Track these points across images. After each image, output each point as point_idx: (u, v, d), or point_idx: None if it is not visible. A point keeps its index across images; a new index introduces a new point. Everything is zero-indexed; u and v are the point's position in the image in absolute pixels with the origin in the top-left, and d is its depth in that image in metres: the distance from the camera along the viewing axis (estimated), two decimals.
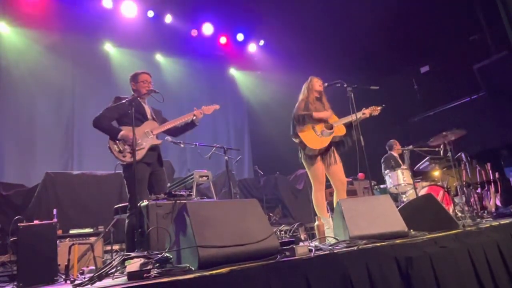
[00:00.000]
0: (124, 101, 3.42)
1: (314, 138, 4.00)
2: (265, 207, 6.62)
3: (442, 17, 7.79)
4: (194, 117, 3.82)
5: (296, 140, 4.09)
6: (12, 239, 2.99)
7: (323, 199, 4.07)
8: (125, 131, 3.47)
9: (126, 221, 3.42)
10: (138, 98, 3.66)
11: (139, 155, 3.43)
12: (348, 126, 4.15)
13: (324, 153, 4.07)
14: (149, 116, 3.74)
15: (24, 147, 6.75)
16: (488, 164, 6.70)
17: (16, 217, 3.09)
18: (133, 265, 1.96)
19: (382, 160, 6.52)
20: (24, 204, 5.21)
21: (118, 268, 2.09)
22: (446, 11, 7.68)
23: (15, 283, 2.82)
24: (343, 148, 4.16)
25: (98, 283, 1.91)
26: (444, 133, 4.98)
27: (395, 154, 6.52)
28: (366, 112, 4.26)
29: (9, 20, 6.96)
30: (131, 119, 3.28)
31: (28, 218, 4.14)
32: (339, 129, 4.11)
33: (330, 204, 4.79)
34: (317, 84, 4.25)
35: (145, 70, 3.86)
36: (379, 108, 4.32)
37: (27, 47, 7.09)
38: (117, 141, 3.45)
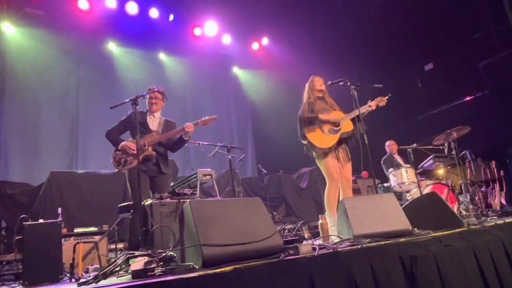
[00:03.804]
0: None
1: (322, 137, 3.98)
2: (268, 205, 6.62)
3: (447, 14, 7.75)
4: (183, 132, 3.90)
5: (305, 142, 4.06)
6: (17, 237, 3.00)
7: (335, 196, 3.98)
8: (125, 142, 3.79)
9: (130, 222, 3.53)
10: (147, 112, 3.95)
11: (133, 164, 3.66)
12: (354, 120, 4.08)
13: (336, 149, 4.04)
14: (153, 128, 3.89)
15: (29, 146, 6.79)
16: (493, 162, 6.65)
17: (21, 216, 3.11)
18: (138, 263, 1.97)
19: (382, 162, 6.51)
20: (29, 203, 5.24)
21: (123, 266, 2.10)
22: (450, 8, 7.63)
23: (21, 281, 2.84)
24: (351, 142, 4.13)
25: (102, 282, 1.92)
26: (448, 131, 4.95)
27: (394, 154, 6.51)
28: (372, 105, 4.15)
29: (14, 20, 6.99)
30: (134, 131, 3.52)
31: (33, 217, 4.18)
32: (346, 125, 4.08)
33: None
34: (318, 83, 4.21)
35: (156, 86, 4.06)
36: (385, 98, 4.22)
37: (32, 47, 7.13)
38: (118, 151, 3.77)
